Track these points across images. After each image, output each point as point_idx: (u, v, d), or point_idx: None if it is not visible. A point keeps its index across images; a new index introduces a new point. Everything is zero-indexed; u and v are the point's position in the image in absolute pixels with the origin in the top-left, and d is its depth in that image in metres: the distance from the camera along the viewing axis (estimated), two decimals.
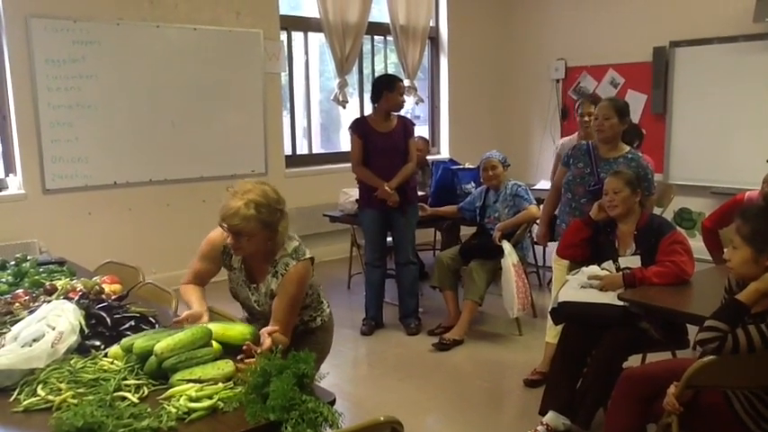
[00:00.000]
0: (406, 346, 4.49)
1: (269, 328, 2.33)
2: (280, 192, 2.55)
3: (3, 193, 5.04)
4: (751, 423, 2.26)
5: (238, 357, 2.14)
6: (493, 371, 4.08)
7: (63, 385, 1.92)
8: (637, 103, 6.71)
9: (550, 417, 3.09)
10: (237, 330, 2.29)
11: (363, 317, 4.81)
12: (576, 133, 4.85)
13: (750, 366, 2.20)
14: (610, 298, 3.03)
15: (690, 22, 6.33)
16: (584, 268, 3.25)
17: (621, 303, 2.97)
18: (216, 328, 2.26)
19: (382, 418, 1.72)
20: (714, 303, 2.39)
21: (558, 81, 7.49)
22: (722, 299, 2.41)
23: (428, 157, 6.36)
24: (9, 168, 5.11)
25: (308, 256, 2.55)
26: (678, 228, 5.79)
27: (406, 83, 6.97)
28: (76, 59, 5.13)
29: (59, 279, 2.98)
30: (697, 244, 3.78)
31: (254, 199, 2.40)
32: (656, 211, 5.30)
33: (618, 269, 3.16)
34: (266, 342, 2.22)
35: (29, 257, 3.31)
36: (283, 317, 2.44)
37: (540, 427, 3.08)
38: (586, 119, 4.49)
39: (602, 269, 3.20)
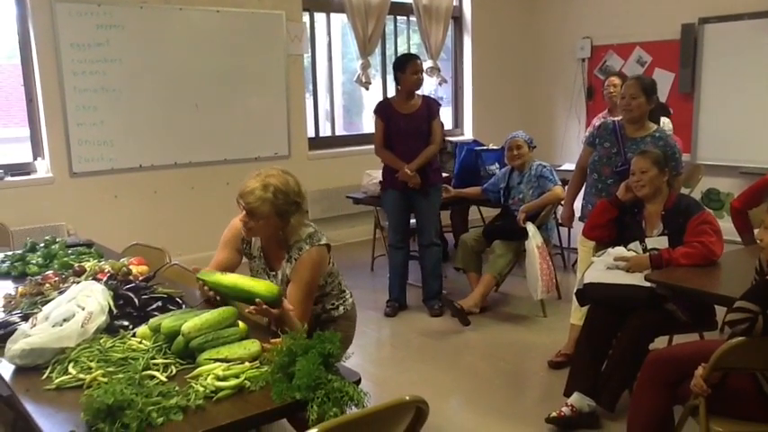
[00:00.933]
0: (429, 328, 4.49)
1: (288, 305, 2.35)
2: (303, 177, 2.56)
3: (31, 176, 5.11)
4: None
5: (246, 311, 2.23)
6: (517, 352, 4.07)
7: (93, 364, 1.96)
8: (664, 81, 6.59)
9: (575, 398, 3.07)
10: (264, 284, 2.30)
11: (387, 298, 4.82)
12: (606, 110, 4.81)
13: None
14: (636, 279, 3.00)
15: None
16: (610, 249, 3.22)
17: (648, 285, 2.93)
18: (243, 279, 2.32)
19: (408, 398, 1.72)
20: (743, 285, 2.35)
21: (583, 60, 7.37)
22: (752, 280, 2.37)
23: (452, 139, 6.34)
24: (37, 152, 5.18)
25: (323, 242, 2.54)
26: (706, 208, 5.72)
27: (429, 63, 6.94)
28: (101, 43, 5.17)
29: (88, 261, 3.03)
30: (725, 224, 3.71)
31: (274, 183, 2.43)
32: (684, 191, 5.23)
33: (645, 250, 3.12)
34: (285, 305, 2.28)
35: (58, 239, 3.36)
36: (298, 303, 2.42)
37: (564, 408, 3.07)
38: (611, 90, 4.48)
39: (629, 250, 3.17)
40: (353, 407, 1.80)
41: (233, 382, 1.85)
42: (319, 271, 2.53)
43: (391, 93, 6.90)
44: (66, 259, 3.07)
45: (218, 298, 2.39)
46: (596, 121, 4.82)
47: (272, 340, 2.08)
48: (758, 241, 2.33)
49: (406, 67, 4.49)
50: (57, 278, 2.72)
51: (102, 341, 2.09)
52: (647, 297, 2.97)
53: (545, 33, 7.75)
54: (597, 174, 3.62)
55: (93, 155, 5.24)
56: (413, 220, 4.84)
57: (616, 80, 4.86)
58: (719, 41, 6.27)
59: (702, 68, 6.40)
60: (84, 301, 2.19)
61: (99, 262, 2.97)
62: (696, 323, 3.07)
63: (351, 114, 7.46)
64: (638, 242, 3.18)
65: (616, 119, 3.74)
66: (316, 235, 2.54)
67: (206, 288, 2.39)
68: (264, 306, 2.22)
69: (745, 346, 2.15)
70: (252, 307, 2.21)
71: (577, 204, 3.90)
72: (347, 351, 2.28)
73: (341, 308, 2.75)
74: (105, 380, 1.85)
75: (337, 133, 6.96)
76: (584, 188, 3.80)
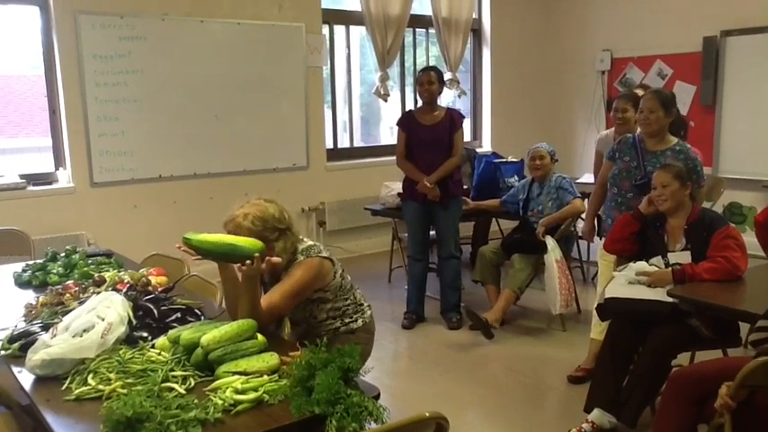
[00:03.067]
0: (447, 341, 4.46)
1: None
2: (322, 188, 2.59)
3: (53, 186, 5.17)
4: None
5: (237, 267, 2.30)
6: (535, 367, 4.02)
7: (112, 375, 1.96)
8: (685, 94, 6.54)
9: (596, 414, 3.03)
10: (248, 239, 2.34)
11: (405, 310, 4.80)
12: (613, 128, 4.72)
13: None
14: (659, 294, 2.96)
15: (742, 11, 6.12)
16: (631, 264, 3.18)
17: (671, 300, 2.89)
18: (227, 236, 2.35)
19: (428, 414, 1.70)
20: None
21: (603, 73, 7.33)
22: None
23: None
24: (59, 162, 5.24)
25: (323, 254, 2.55)
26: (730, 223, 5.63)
27: (448, 75, 6.94)
28: (123, 55, 5.22)
29: (107, 271, 3.04)
30: (749, 239, 3.66)
31: (253, 212, 2.47)
32: (706, 204, 5.16)
33: (667, 265, 3.08)
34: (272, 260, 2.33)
35: (78, 249, 3.38)
36: (275, 293, 2.43)
37: (585, 425, 3.03)
38: (620, 115, 4.31)
39: (651, 265, 3.13)
40: (373, 422, 1.78)
41: (252, 395, 1.84)
42: (313, 276, 2.50)
43: (410, 105, 6.92)
44: (86, 269, 3.09)
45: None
46: (601, 134, 4.76)
47: (292, 353, 2.07)
48: None
49: (418, 79, 4.56)
50: (77, 288, 2.74)
51: (121, 352, 2.09)
52: (670, 312, 2.92)
53: (565, 46, 7.72)
54: (617, 188, 3.58)
55: (113, 165, 5.29)
56: (432, 232, 4.82)
57: (629, 106, 4.27)
58: (742, 54, 6.20)
59: (724, 81, 6.34)
60: (104, 312, 2.20)
61: (119, 272, 2.98)
62: (720, 339, 3.02)
63: (369, 126, 7.47)
64: (660, 257, 3.14)
65: (636, 133, 3.70)
66: (314, 248, 2.56)
67: (185, 248, 2.36)
68: (256, 256, 2.26)
69: None
70: (290, 354, 2.12)
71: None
72: (366, 364, 2.26)
73: (359, 320, 2.73)
74: (124, 391, 1.85)
75: (355, 145, 6.97)
76: (604, 202, 3.76)
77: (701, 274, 2.94)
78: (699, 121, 6.36)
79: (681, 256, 3.09)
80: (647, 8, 6.86)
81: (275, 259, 2.37)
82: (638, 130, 3.62)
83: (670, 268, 3.03)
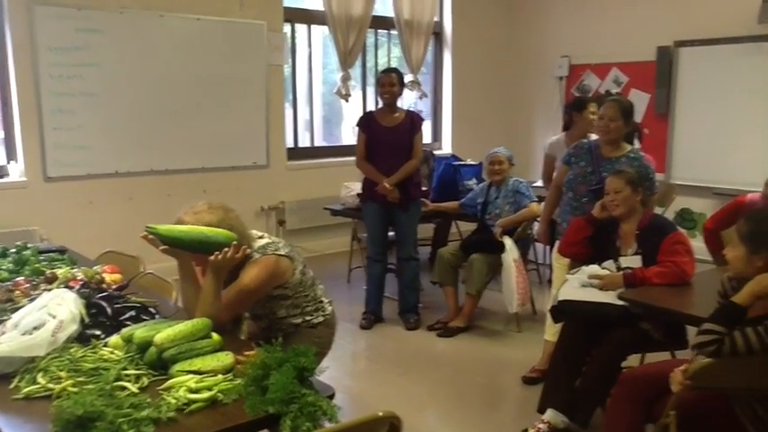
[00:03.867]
0: (405, 341, 4.49)
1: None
2: (282, 188, 2.57)
3: (4, 180, 5.04)
4: (751, 427, 2.26)
5: (212, 257, 2.27)
6: (491, 367, 4.08)
7: (63, 374, 1.92)
8: (640, 102, 6.69)
9: (550, 414, 3.08)
10: (220, 230, 2.33)
11: (363, 311, 4.81)
12: (564, 133, 4.80)
13: (750, 368, 2.20)
14: (610, 297, 3.03)
15: (695, 22, 6.31)
16: (584, 267, 3.25)
17: (622, 303, 2.96)
18: (197, 227, 2.32)
19: (381, 414, 1.71)
20: (715, 305, 2.40)
21: (561, 78, 7.47)
22: (717, 302, 2.42)
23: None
24: (10, 155, 5.10)
25: (280, 252, 2.53)
26: (679, 228, 5.79)
27: (410, 77, 6.98)
28: (80, 47, 5.12)
29: (60, 267, 2.98)
30: (698, 245, 3.77)
31: (194, 223, 2.38)
32: (658, 210, 5.29)
33: (618, 269, 3.16)
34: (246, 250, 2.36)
35: (29, 245, 3.30)
36: (231, 291, 2.40)
37: (540, 425, 3.07)
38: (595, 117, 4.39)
39: (603, 268, 3.20)
40: (327, 421, 1.79)
41: (206, 394, 1.83)
42: (269, 274, 2.48)
43: (371, 105, 6.94)
44: (37, 266, 3.01)
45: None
46: (551, 140, 4.84)
47: (247, 353, 2.06)
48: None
49: (379, 81, 4.59)
50: (27, 285, 2.67)
51: (72, 351, 2.05)
52: (621, 315, 2.99)
53: (524, 51, 7.84)
54: (572, 192, 3.66)
55: (68, 159, 5.18)
56: (391, 233, 4.84)
57: (595, 108, 4.47)
58: (694, 64, 6.39)
59: (677, 90, 6.52)
60: (56, 310, 2.15)
61: (72, 269, 2.92)
62: (669, 342, 3.11)
63: (331, 126, 7.46)
64: (612, 260, 3.21)
65: (591, 139, 3.78)
66: (270, 246, 2.54)
67: (152, 238, 2.31)
68: (233, 245, 2.27)
69: (717, 367, 2.18)
70: (245, 353, 2.09)
71: None
72: (322, 364, 2.26)
73: (320, 317, 2.74)
74: (75, 390, 1.82)
75: (316, 144, 6.96)
76: (559, 206, 3.84)
77: (651, 278, 3.02)
78: (653, 129, 6.53)
79: (632, 261, 3.17)
80: (605, 17, 7.02)
81: (249, 249, 2.38)
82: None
83: (621, 272, 3.11)
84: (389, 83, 4.51)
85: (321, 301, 2.77)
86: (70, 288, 2.51)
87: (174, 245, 2.32)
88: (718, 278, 2.49)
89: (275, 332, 2.56)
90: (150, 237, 2.31)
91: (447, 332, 4.53)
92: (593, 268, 3.21)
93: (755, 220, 2.31)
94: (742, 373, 2.21)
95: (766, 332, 2.13)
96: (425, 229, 5.95)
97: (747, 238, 2.27)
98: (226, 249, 2.30)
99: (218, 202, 2.49)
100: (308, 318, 2.69)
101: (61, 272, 2.83)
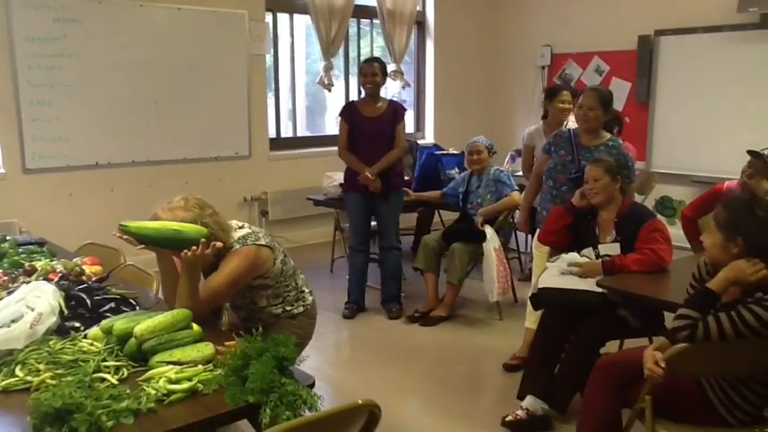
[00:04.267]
0: (387, 330, 4.51)
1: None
2: (264, 178, 2.56)
3: None
4: (724, 411, 2.31)
5: (183, 253, 2.26)
6: (473, 355, 4.11)
7: (42, 366, 1.92)
8: (621, 90, 6.74)
9: (529, 401, 3.12)
10: (191, 225, 2.33)
11: (346, 300, 4.83)
12: (541, 122, 4.83)
13: (723, 354, 2.25)
14: (589, 285, 3.06)
15: (674, 12, 6.35)
16: (563, 255, 3.28)
17: (600, 290, 3.00)
18: (169, 222, 2.32)
19: (360, 401, 1.73)
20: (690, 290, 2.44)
21: (543, 68, 7.49)
22: (689, 286, 2.46)
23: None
24: None
25: (260, 242, 2.53)
26: (659, 215, 5.85)
27: (393, 66, 6.97)
28: (58, 38, 5.06)
29: (39, 260, 2.97)
30: (677, 232, 3.82)
31: (171, 219, 2.38)
32: (638, 198, 5.35)
33: (597, 256, 3.19)
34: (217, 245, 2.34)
35: (8, 238, 3.29)
36: (211, 282, 2.41)
37: (519, 412, 3.11)
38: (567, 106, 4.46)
39: (582, 256, 3.23)
40: (307, 410, 1.80)
41: (186, 385, 1.84)
42: (250, 264, 2.49)
43: (354, 95, 6.93)
44: (16, 258, 3.00)
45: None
46: (530, 129, 4.86)
47: (227, 343, 2.08)
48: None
49: (363, 69, 4.57)
50: (6, 277, 2.67)
51: (51, 343, 2.06)
52: (600, 302, 3.03)
53: (507, 40, 7.85)
54: (552, 181, 3.69)
55: (47, 151, 5.13)
56: (374, 223, 4.85)
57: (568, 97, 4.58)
58: (674, 53, 6.43)
59: (658, 79, 6.57)
60: (34, 302, 2.15)
61: (51, 261, 2.91)
62: (646, 329, 3.15)
63: (314, 116, 7.44)
64: (591, 248, 3.24)
65: (572, 128, 3.81)
66: (251, 236, 2.54)
67: (127, 237, 2.31)
68: (202, 242, 2.26)
69: (690, 352, 2.22)
70: (225, 343, 2.10)
71: None
72: (303, 353, 2.28)
73: (300, 307, 2.75)
74: (54, 382, 1.82)
75: (299, 134, 6.94)
76: (539, 195, 3.87)
77: (629, 265, 3.06)
78: (634, 117, 6.58)
79: (611, 248, 3.20)
80: (587, 6, 7.04)
81: (219, 244, 2.37)
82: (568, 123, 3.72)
83: (600, 260, 3.15)
84: (372, 72, 4.50)
85: (302, 291, 2.78)
86: (49, 280, 2.51)
87: (146, 242, 2.31)
88: (695, 265, 2.52)
89: (255, 322, 2.58)
90: (125, 237, 2.30)
91: (428, 321, 4.56)
92: (573, 256, 3.25)
93: (731, 207, 2.34)
94: (715, 358, 2.26)
95: (739, 317, 2.17)
96: (408, 219, 5.97)
97: (723, 225, 2.31)
98: (195, 247, 2.28)
99: (195, 199, 2.47)
100: (288, 308, 2.71)
101: (40, 264, 2.82)
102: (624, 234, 3.20)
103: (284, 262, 2.67)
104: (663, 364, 2.21)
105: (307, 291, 2.82)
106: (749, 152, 3.51)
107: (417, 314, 4.64)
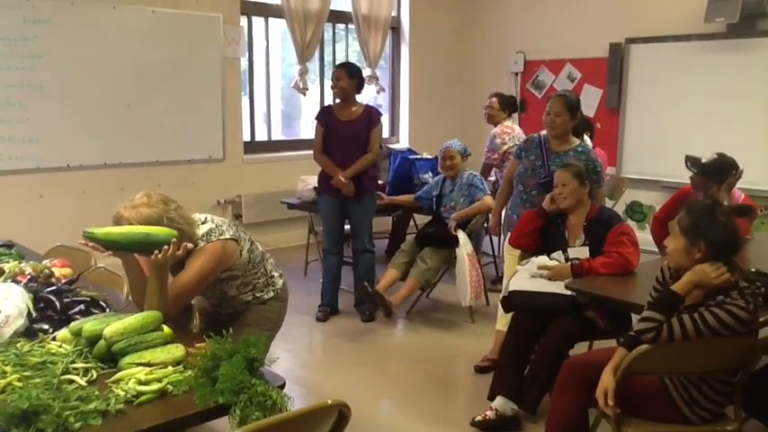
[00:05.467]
0: (360, 333, 4.53)
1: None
2: (238, 181, 2.55)
3: None
4: (685, 408, 2.36)
5: (154, 255, 2.24)
6: (445, 357, 4.15)
7: (8, 368, 1.90)
8: (592, 97, 6.85)
9: (499, 402, 3.16)
10: (160, 227, 2.30)
11: (319, 303, 4.83)
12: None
13: (685, 354, 2.30)
14: (558, 287, 3.11)
15: (644, 20, 6.48)
16: (533, 258, 3.33)
17: (569, 293, 3.05)
18: (136, 227, 2.28)
19: (330, 401, 1.75)
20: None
21: (516, 74, 7.58)
22: (652, 289, 2.51)
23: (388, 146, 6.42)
24: None
25: (225, 236, 2.50)
26: (629, 220, 5.94)
27: (368, 71, 7.00)
28: (28, 38, 5.00)
29: (7, 262, 2.93)
30: (646, 236, 3.91)
31: (134, 218, 2.35)
32: (609, 203, 5.43)
33: (567, 259, 3.25)
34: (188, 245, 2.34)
35: None
36: (180, 281, 2.40)
37: (489, 412, 3.15)
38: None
39: (552, 259, 3.29)
40: (277, 411, 1.81)
41: (155, 386, 1.84)
42: (217, 261, 2.47)
43: (329, 100, 6.94)
44: None
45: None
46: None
47: (197, 345, 2.08)
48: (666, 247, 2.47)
49: (332, 74, 4.62)
50: None
51: (18, 345, 2.04)
52: (569, 304, 3.09)
53: (481, 46, 7.92)
54: (523, 185, 3.74)
55: (17, 153, 5.06)
56: (347, 226, 4.87)
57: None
58: (644, 61, 6.55)
59: (628, 86, 6.68)
60: (2, 304, 2.14)
61: (19, 263, 2.88)
62: (614, 330, 3.20)
63: (290, 119, 7.44)
64: (560, 251, 3.30)
65: (542, 133, 3.87)
66: (213, 232, 2.50)
67: (93, 245, 2.28)
68: (173, 242, 2.25)
69: (652, 353, 2.27)
70: (196, 345, 2.09)
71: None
72: (275, 353, 2.27)
73: (271, 291, 2.76)
74: (21, 384, 1.81)
75: (274, 138, 6.93)
76: (510, 199, 3.92)
77: (598, 268, 3.11)
78: (605, 124, 6.68)
79: (580, 252, 3.26)
80: (560, 14, 7.14)
81: (189, 245, 2.36)
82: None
83: (569, 263, 3.20)
84: (336, 77, 4.56)
85: (272, 276, 2.78)
86: (17, 282, 2.49)
87: (114, 248, 2.28)
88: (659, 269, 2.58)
89: (225, 308, 2.58)
90: (91, 244, 2.26)
91: (375, 298, 4.39)
92: (542, 259, 3.30)
93: (694, 212, 2.39)
94: (677, 357, 2.31)
95: (702, 320, 2.23)
96: (383, 222, 5.99)
97: (687, 230, 2.35)
98: (166, 248, 2.26)
99: (158, 195, 2.44)
100: (258, 294, 2.71)
101: (9, 266, 2.79)
102: (593, 237, 3.26)
103: (251, 250, 2.65)
104: (611, 402, 2.25)
105: (276, 275, 2.81)
106: (687, 158, 3.61)
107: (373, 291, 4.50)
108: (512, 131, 5.44)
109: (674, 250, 2.40)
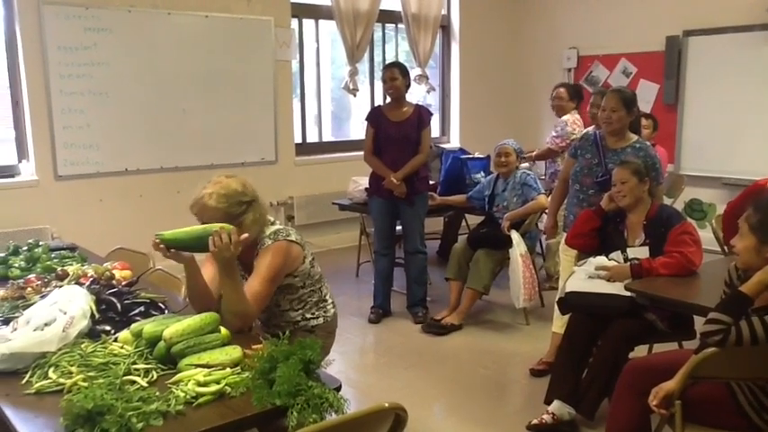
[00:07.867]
0: (413, 335, 4.51)
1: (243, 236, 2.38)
2: (290, 183, 2.58)
3: (16, 179, 5.09)
4: (754, 415, 2.27)
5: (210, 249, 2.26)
6: (499, 360, 4.09)
7: (74, 369, 1.95)
8: (649, 92, 6.67)
9: (556, 406, 3.10)
10: (216, 224, 2.34)
11: (371, 305, 4.83)
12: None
13: (754, 358, 2.21)
14: (617, 288, 3.03)
15: (703, 11, 6.27)
16: (591, 258, 3.25)
17: (628, 294, 2.97)
18: (198, 226, 2.35)
19: (387, 405, 1.73)
20: (721, 294, 2.40)
21: (569, 70, 7.45)
22: (722, 292, 2.41)
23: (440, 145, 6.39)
24: (22, 155, 5.15)
25: (291, 238, 2.55)
26: (688, 218, 5.76)
27: (418, 71, 6.98)
28: (88, 47, 5.16)
29: (71, 265, 3.02)
30: (707, 235, 3.77)
31: (217, 191, 2.47)
32: (667, 201, 5.29)
33: (626, 259, 3.15)
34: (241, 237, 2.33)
35: (41, 243, 3.34)
36: (253, 281, 2.43)
37: (545, 416, 3.09)
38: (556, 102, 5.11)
39: (610, 259, 3.20)
40: (333, 413, 1.81)
41: (213, 387, 1.86)
42: (284, 259, 2.50)
43: (379, 100, 6.95)
44: (48, 263, 3.06)
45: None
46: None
47: (254, 346, 2.09)
48: (733, 246, 2.37)
49: (382, 74, 4.60)
50: (39, 282, 2.71)
51: (83, 346, 2.09)
52: (628, 306, 3.00)
53: (532, 43, 7.81)
54: (579, 184, 3.66)
55: (78, 158, 5.23)
56: (398, 228, 4.86)
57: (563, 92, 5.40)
58: (703, 54, 6.35)
59: (686, 80, 6.49)
60: (66, 306, 2.19)
61: (82, 266, 2.97)
62: (675, 332, 3.11)
63: (340, 121, 7.48)
64: (619, 252, 3.21)
65: (598, 130, 3.78)
66: (281, 232, 2.54)
67: (163, 246, 2.32)
68: (231, 232, 2.28)
69: (718, 357, 2.18)
70: (253, 346, 2.10)
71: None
72: (330, 356, 2.28)
73: (320, 318, 2.73)
74: (85, 385, 1.85)
75: (324, 139, 6.98)
76: (566, 198, 3.84)
77: (658, 268, 3.01)
78: (662, 120, 6.44)
79: (639, 251, 3.16)
80: (613, 7, 6.98)
81: (244, 235, 2.36)
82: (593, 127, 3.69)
83: (628, 263, 3.11)
84: (390, 77, 4.53)
85: (325, 300, 2.77)
86: (80, 284, 2.55)
87: (180, 247, 2.33)
88: (725, 268, 2.48)
89: (271, 326, 2.59)
90: (161, 246, 2.32)
91: (440, 329, 4.46)
92: (601, 259, 3.22)
93: (763, 208, 2.29)
94: (745, 362, 2.22)
95: None
96: (435, 223, 5.96)
97: (757, 227, 2.25)
98: (218, 230, 2.27)
99: (229, 174, 2.58)
100: (307, 315, 2.69)
101: (72, 269, 2.87)
102: (653, 237, 3.16)
103: (312, 264, 2.68)
104: (661, 407, 2.22)
105: (330, 302, 2.79)
106: None
107: (430, 320, 4.59)
108: (581, 124, 5.31)
109: (743, 249, 2.29)
